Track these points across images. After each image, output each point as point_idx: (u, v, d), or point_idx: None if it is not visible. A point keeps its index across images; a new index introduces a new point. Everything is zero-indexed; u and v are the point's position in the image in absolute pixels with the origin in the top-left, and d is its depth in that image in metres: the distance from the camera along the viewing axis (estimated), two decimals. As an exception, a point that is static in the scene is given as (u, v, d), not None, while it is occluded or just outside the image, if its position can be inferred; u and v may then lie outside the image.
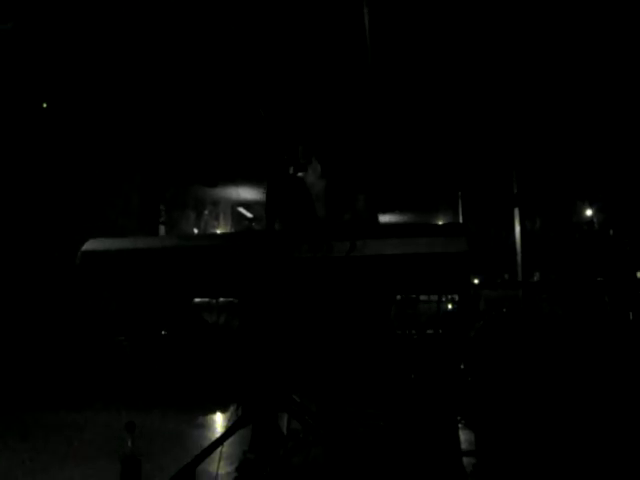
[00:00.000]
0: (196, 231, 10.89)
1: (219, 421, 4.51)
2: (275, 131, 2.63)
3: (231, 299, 6.14)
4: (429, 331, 6.12)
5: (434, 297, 6.00)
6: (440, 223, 8.31)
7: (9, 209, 6.56)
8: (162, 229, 9.09)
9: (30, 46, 6.32)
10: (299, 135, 3.04)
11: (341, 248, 2.29)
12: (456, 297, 7.21)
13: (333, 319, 2.97)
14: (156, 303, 6.46)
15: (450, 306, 8.02)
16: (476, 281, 9.85)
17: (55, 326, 6.32)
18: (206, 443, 2.70)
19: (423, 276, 2.27)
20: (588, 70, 7.34)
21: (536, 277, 10.24)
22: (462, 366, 4.49)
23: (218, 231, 10.83)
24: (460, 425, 3.89)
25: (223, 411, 4.67)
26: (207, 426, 4.37)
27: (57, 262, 5.95)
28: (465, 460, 3.17)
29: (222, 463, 2.86)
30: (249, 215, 11.50)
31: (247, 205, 11.23)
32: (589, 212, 10.06)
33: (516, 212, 9.19)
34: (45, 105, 7.10)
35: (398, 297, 5.73)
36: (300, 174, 2.97)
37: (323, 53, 3.17)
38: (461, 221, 9.75)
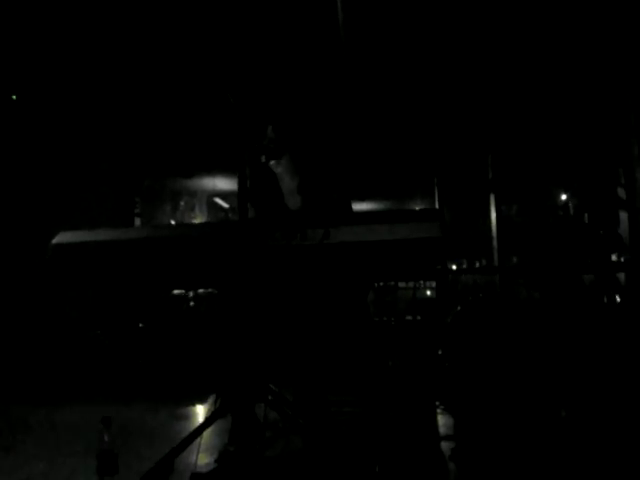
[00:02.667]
0: (173, 222, 10.82)
1: (198, 412, 4.49)
2: (245, 119, 2.61)
3: (210, 290, 6.13)
4: (408, 317, 6.15)
5: (412, 284, 6.01)
6: (415, 209, 8.33)
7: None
8: (137, 221, 9.01)
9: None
10: (269, 121, 3.02)
11: (315, 236, 2.28)
12: (434, 283, 7.27)
13: (309, 307, 2.97)
14: (132, 295, 6.42)
15: (429, 292, 8.07)
16: (454, 267, 9.92)
17: (29, 321, 6.24)
18: (185, 435, 2.69)
19: (397, 263, 2.27)
20: (561, 56, 7.38)
21: (514, 262, 10.33)
22: (440, 351, 4.52)
23: (194, 222, 10.76)
24: (439, 410, 3.92)
25: (202, 402, 4.65)
26: (186, 418, 4.35)
27: (28, 256, 5.88)
28: (444, 444, 3.20)
29: (202, 455, 2.85)
30: (225, 205, 11.44)
31: (223, 195, 11.19)
32: (564, 197, 10.16)
33: (492, 197, 9.25)
34: (14, 97, 6.98)
35: (377, 284, 5.73)
36: (272, 162, 2.95)
37: (293, 38, 3.14)
38: (437, 207, 9.79)
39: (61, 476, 2.84)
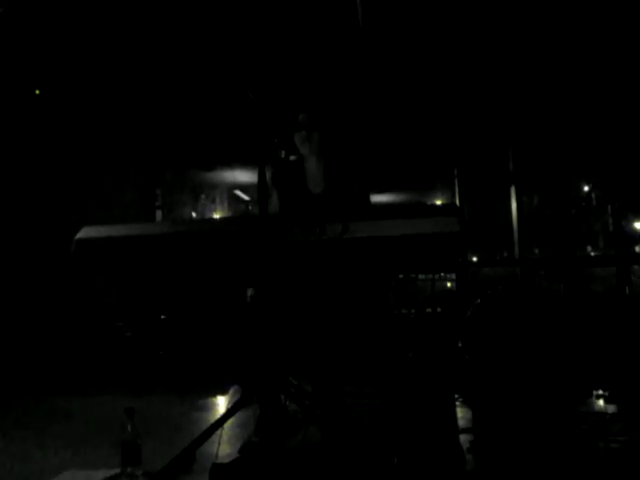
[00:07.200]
0: (194, 214, 10.90)
1: (220, 403, 4.55)
2: (264, 114, 2.63)
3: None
4: (427, 309, 6.15)
5: (432, 275, 5.99)
6: (435, 202, 8.30)
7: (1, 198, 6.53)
8: (159, 213, 9.09)
9: (20, 32, 6.27)
10: (301, 109, 3.03)
11: (334, 230, 2.30)
12: (454, 275, 7.25)
13: (329, 300, 2.99)
14: (154, 288, 6.49)
15: (449, 284, 8.03)
16: (475, 259, 9.88)
17: (53, 314, 6.33)
18: (207, 426, 2.74)
19: (416, 258, 2.28)
20: (583, 46, 7.30)
21: (535, 253, 10.26)
22: (460, 344, 4.52)
23: (215, 214, 10.82)
24: (457, 402, 3.93)
25: (224, 394, 4.71)
26: (208, 409, 4.40)
27: (53, 250, 5.96)
28: (462, 437, 3.20)
29: (224, 446, 2.89)
30: (246, 198, 11.49)
31: (244, 188, 11.23)
32: (586, 188, 10.07)
33: (512, 190, 9.19)
34: (38, 92, 7.06)
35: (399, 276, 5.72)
36: (292, 157, 2.97)
37: (311, 30, 3.15)
38: (458, 199, 9.75)
39: (87, 466, 2.88)
